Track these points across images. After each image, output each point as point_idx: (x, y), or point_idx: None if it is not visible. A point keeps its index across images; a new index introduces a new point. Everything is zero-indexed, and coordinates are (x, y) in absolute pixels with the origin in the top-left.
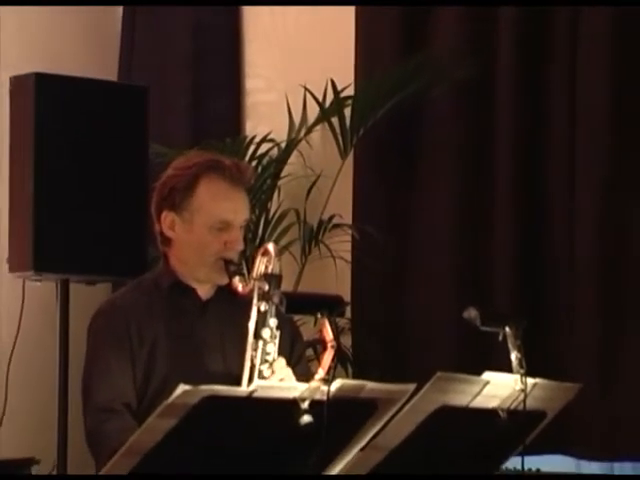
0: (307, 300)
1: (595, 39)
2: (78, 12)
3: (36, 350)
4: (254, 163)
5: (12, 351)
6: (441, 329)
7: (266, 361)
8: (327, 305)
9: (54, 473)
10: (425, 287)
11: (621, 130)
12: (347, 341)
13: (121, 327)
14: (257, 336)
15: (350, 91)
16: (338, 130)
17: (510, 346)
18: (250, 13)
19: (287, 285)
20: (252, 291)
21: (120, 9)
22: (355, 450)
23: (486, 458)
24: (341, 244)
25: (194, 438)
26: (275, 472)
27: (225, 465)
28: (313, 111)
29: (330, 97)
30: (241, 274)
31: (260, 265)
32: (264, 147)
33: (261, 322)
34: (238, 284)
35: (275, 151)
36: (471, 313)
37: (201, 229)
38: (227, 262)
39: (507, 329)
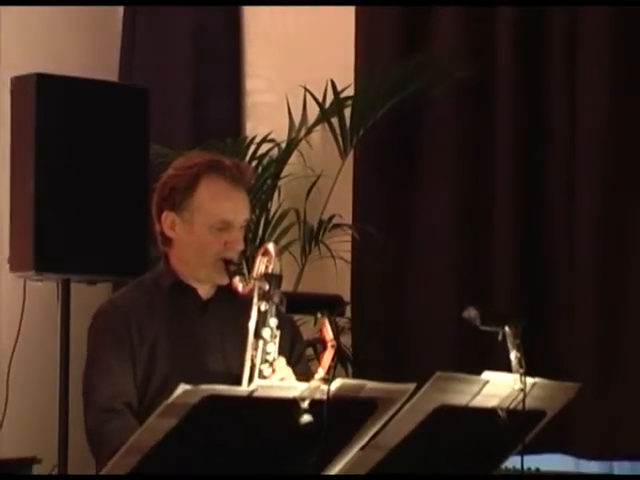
0: (307, 300)
1: (595, 39)
2: (79, 12)
3: (37, 350)
4: (254, 163)
5: (13, 351)
6: (441, 329)
7: (266, 361)
8: (327, 305)
9: (54, 473)
10: (425, 287)
11: (621, 130)
12: (347, 341)
13: (122, 327)
14: (257, 336)
15: (350, 91)
16: (338, 130)
17: (509, 346)
18: (250, 13)
19: (287, 285)
20: (252, 291)
21: (121, 9)
22: (355, 449)
23: (486, 457)
24: (341, 244)
25: (194, 438)
26: (275, 472)
27: (225, 465)
28: (313, 111)
29: (330, 97)
30: (241, 274)
31: (260, 265)
32: (264, 147)
33: (261, 322)
34: (238, 284)
35: (275, 151)
36: (471, 313)
37: (201, 229)
38: (227, 262)
39: (507, 329)
